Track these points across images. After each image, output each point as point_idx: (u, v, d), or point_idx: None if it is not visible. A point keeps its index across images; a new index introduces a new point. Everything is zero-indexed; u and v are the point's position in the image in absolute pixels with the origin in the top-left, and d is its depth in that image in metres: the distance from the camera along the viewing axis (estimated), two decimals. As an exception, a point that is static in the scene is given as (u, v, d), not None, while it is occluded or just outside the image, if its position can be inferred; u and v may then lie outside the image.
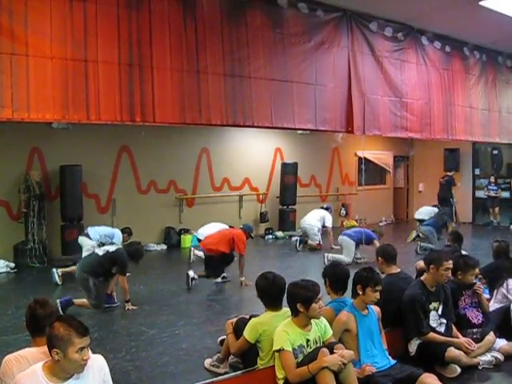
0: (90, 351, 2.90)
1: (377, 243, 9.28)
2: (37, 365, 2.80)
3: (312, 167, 13.83)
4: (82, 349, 2.75)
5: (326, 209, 11.86)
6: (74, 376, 2.82)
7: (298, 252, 11.23)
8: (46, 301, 3.26)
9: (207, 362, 4.76)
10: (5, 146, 9.41)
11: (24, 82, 4.55)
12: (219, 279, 8.32)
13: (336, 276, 4.64)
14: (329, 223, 11.50)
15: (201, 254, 9.15)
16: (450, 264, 4.85)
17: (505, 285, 5.66)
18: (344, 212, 14.81)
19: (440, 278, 4.83)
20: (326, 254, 9.73)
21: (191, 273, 7.98)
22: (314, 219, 11.44)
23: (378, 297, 4.37)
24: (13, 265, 9.25)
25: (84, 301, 6.64)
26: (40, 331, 2.99)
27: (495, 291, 5.69)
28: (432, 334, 4.70)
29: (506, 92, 9.76)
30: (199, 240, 9.25)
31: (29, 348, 3.08)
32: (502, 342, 5.03)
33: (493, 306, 5.52)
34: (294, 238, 12.64)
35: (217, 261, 8.15)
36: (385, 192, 16.69)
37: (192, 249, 10.10)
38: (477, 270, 5.36)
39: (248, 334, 4.20)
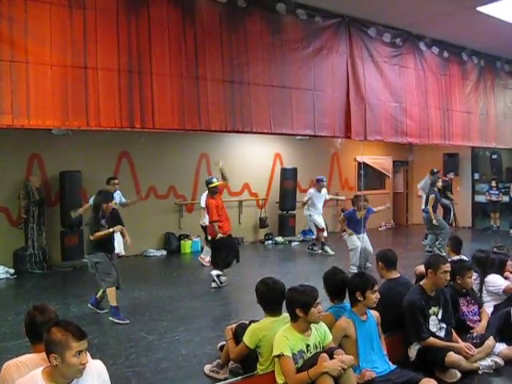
0: (89, 356, 2.91)
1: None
2: (36, 370, 2.81)
3: (311, 172, 13.81)
4: (79, 352, 2.76)
5: (319, 181, 11.85)
6: (74, 381, 2.83)
7: (298, 257, 11.25)
8: (45, 307, 3.26)
9: (207, 368, 4.76)
10: (5, 152, 9.42)
11: (24, 88, 4.57)
12: (214, 284, 8.34)
13: (334, 283, 4.66)
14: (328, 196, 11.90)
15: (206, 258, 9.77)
16: (447, 267, 4.86)
17: (484, 285, 5.70)
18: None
19: (439, 281, 4.84)
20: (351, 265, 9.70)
21: (214, 272, 8.29)
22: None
23: (379, 296, 4.40)
24: (12, 271, 9.26)
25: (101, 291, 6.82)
26: (39, 337, 2.99)
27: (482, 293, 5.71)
28: (432, 339, 4.71)
29: (504, 97, 9.78)
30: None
31: (28, 354, 3.08)
32: (501, 347, 5.03)
33: (489, 306, 5.54)
34: (294, 244, 12.68)
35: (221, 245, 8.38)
36: (384, 197, 16.67)
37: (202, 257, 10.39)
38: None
39: (248, 339, 4.20)
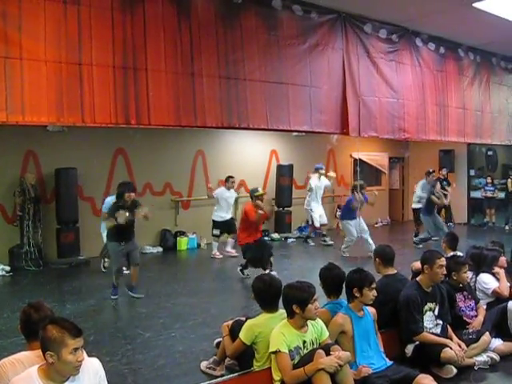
0: (85, 353, 2.89)
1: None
2: (32, 368, 2.79)
3: (307, 169, 13.80)
4: (75, 350, 2.74)
5: (317, 169, 12.10)
6: (70, 379, 2.81)
7: (294, 253, 11.28)
8: (40, 304, 3.24)
9: (203, 365, 4.75)
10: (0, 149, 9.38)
11: (18, 85, 4.55)
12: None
13: (330, 279, 4.65)
14: (327, 183, 12.12)
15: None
16: (442, 261, 4.86)
17: (477, 283, 5.72)
18: (340, 213, 14.83)
19: (435, 276, 4.84)
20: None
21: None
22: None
23: (376, 294, 4.39)
24: (8, 268, 9.21)
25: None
26: (35, 335, 2.97)
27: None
28: (425, 334, 4.70)
29: (499, 93, 9.80)
30: None
31: (24, 352, 3.06)
32: (497, 342, 5.04)
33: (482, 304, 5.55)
34: (290, 240, 12.69)
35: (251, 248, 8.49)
36: (380, 193, 16.65)
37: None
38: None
39: (244, 336, 4.20)
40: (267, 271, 8.25)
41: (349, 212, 10.57)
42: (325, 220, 12.18)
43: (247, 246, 8.47)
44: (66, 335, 2.73)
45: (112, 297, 7.29)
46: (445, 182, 14.46)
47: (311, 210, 11.98)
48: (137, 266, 7.41)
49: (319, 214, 12.03)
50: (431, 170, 12.15)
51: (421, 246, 11.16)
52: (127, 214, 7.01)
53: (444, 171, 14.43)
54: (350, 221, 10.51)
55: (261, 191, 8.76)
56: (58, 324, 2.79)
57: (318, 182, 12.02)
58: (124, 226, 7.09)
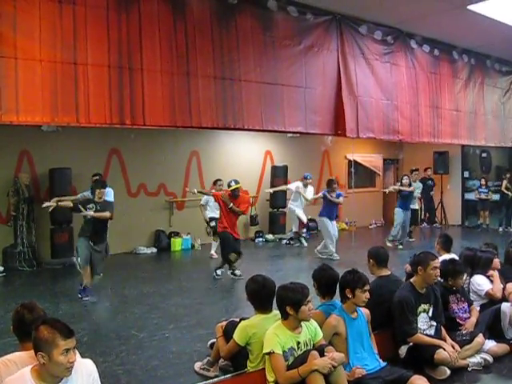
0: (78, 354, 2.88)
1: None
2: (25, 369, 2.78)
3: (302, 170, 13.83)
4: (67, 351, 2.73)
5: (305, 178, 12.03)
6: (63, 380, 2.80)
7: (288, 254, 11.30)
8: (33, 305, 3.23)
9: (197, 366, 4.74)
10: (-6, 149, 9.35)
11: (13, 84, 4.53)
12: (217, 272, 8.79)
13: (324, 280, 4.64)
14: (309, 194, 11.93)
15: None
16: (436, 263, 4.88)
17: (470, 285, 5.74)
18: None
19: (429, 278, 4.85)
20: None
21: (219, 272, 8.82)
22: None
23: (368, 296, 4.39)
24: (1, 268, 9.18)
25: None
26: (28, 336, 2.95)
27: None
28: (419, 335, 4.71)
29: (493, 95, 9.83)
30: None
31: (17, 352, 3.05)
32: (491, 344, 5.06)
33: (475, 305, 5.56)
34: (283, 241, 12.70)
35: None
36: (374, 195, 16.72)
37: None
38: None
39: (238, 336, 4.19)
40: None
41: (326, 210, 10.67)
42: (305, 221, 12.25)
43: (225, 234, 8.68)
44: (57, 336, 2.72)
45: (85, 299, 7.16)
46: (430, 182, 14.57)
47: (295, 211, 12.02)
48: (99, 275, 7.38)
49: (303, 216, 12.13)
50: (414, 168, 12.81)
51: (401, 247, 11.31)
52: (92, 211, 7.12)
53: (429, 171, 14.62)
54: (323, 217, 10.64)
55: (234, 186, 8.75)
56: (49, 324, 2.78)
57: (302, 189, 11.93)
58: (94, 224, 7.16)
